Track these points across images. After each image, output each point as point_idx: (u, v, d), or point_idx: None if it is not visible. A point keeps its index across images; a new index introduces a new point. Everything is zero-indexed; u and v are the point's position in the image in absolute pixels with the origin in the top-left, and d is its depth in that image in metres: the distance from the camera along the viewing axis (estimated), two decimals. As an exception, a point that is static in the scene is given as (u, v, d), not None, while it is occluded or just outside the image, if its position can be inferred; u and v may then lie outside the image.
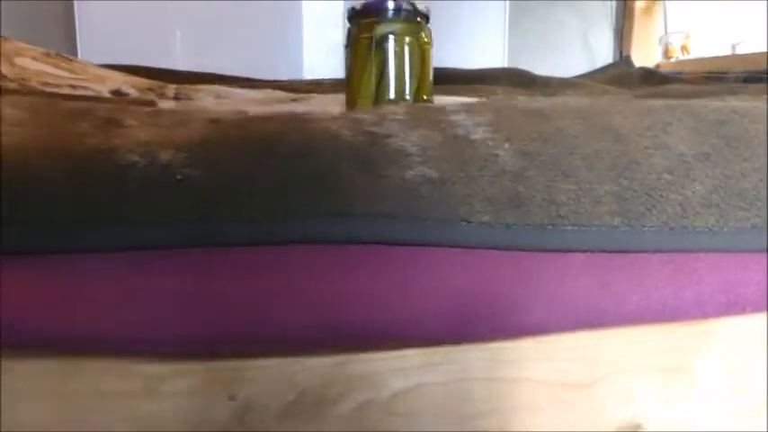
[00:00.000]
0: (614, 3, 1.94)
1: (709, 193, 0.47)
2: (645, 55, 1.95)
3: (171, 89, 1.06)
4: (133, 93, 1.02)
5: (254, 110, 0.64)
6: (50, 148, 0.41)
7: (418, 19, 0.59)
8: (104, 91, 0.99)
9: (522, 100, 0.79)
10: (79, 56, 1.71)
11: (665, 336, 0.46)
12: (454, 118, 0.49)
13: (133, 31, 1.75)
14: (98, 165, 0.40)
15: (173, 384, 0.41)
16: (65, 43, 1.72)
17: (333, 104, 0.94)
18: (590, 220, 0.46)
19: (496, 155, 0.46)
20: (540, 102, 0.63)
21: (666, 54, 2.00)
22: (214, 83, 1.48)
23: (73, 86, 0.97)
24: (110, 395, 0.41)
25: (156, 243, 0.40)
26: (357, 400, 0.43)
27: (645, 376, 0.46)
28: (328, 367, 0.43)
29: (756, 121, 0.52)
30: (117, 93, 1.00)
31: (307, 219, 0.42)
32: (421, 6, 0.59)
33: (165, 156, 0.41)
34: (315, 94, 1.10)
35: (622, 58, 1.94)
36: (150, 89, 1.05)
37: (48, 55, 1.05)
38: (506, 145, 0.46)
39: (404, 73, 0.57)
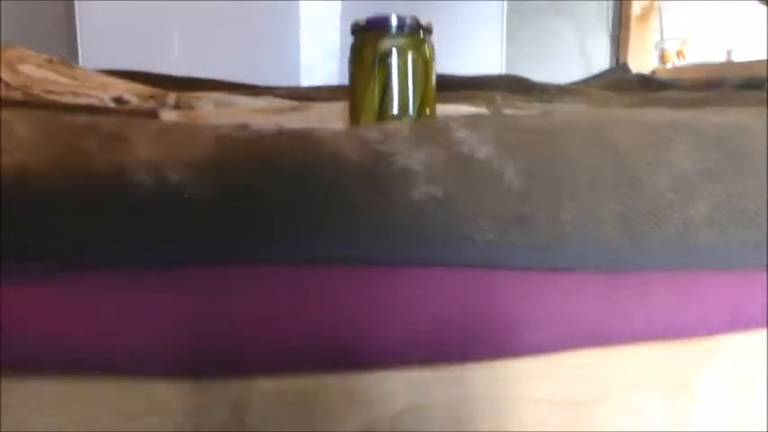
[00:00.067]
0: (610, 10, 1.95)
1: (712, 212, 0.47)
2: (641, 61, 1.96)
3: (172, 97, 1.06)
4: (135, 100, 1.03)
5: (256, 122, 0.64)
6: (57, 167, 0.42)
7: (421, 33, 0.59)
8: (106, 98, 0.99)
9: (525, 115, 0.79)
10: (79, 51, 1.71)
11: (668, 353, 0.47)
12: (458, 135, 0.49)
13: (132, 32, 1.75)
14: (106, 185, 0.40)
15: (177, 403, 0.41)
16: (65, 41, 1.71)
17: (333, 114, 0.94)
18: (594, 238, 0.46)
19: (501, 174, 0.46)
20: (542, 117, 0.64)
21: (663, 60, 2.01)
22: (214, 89, 1.48)
23: (75, 94, 0.98)
24: (113, 414, 0.41)
25: (164, 262, 0.40)
26: (362, 418, 0.43)
27: (648, 394, 0.47)
28: (333, 386, 0.43)
29: (757, 136, 0.53)
30: (119, 100, 1.00)
31: (313, 239, 0.42)
32: (424, 21, 0.59)
33: (173, 175, 0.41)
34: (314, 103, 1.10)
35: (619, 65, 1.95)
36: (151, 97, 1.05)
37: (50, 62, 1.05)
38: (511, 164, 0.47)
39: (407, 88, 0.58)
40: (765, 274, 0.48)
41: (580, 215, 0.46)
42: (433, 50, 0.61)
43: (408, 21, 0.58)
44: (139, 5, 1.72)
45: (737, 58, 1.93)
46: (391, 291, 0.44)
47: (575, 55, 1.95)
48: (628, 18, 1.94)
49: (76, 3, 1.67)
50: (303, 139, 0.47)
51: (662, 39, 1.99)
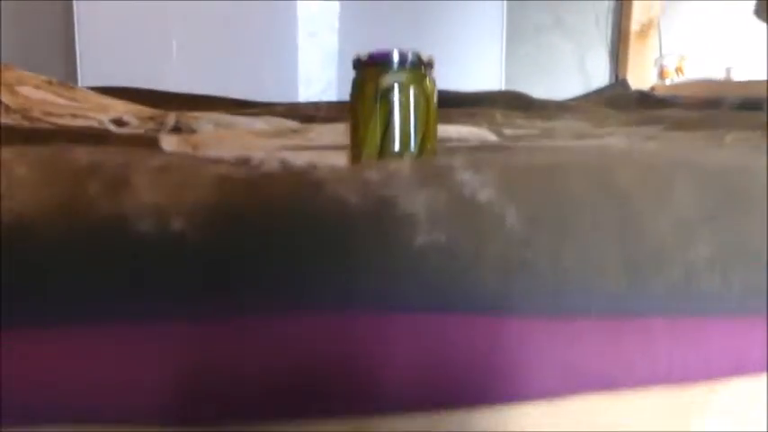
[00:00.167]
0: (609, 26, 1.96)
1: (714, 256, 0.47)
2: (640, 77, 1.97)
3: (171, 118, 1.06)
4: (134, 122, 1.02)
5: (256, 155, 0.64)
6: (58, 214, 0.41)
7: (423, 69, 0.59)
8: (106, 120, 0.99)
9: (528, 149, 0.79)
10: (78, 49, 1.70)
11: (671, 399, 0.47)
12: (460, 177, 0.49)
13: (131, 36, 1.74)
14: (108, 235, 0.40)
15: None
16: (64, 40, 1.71)
17: (333, 135, 0.94)
18: (596, 284, 0.46)
19: (503, 218, 0.46)
20: (545, 155, 0.64)
21: (662, 76, 2.01)
22: (213, 106, 1.48)
23: (74, 116, 0.97)
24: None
25: (165, 313, 0.40)
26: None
27: (650, 440, 0.46)
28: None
29: (758, 176, 0.52)
30: (118, 122, 1.00)
31: (316, 287, 0.42)
32: (425, 56, 0.59)
33: (176, 224, 0.41)
34: (314, 125, 1.10)
35: (618, 81, 1.95)
36: (151, 118, 1.05)
37: (50, 83, 1.05)
38: (512, 208, 0.47)
39: (409, 124, 0.58)
40: (767, 320, 0.48)
41: (582, 261, 0.46)
42: (435, 85, 0.61)
43: (410, 56, 0.58)
44: (138, 9, 1.72)
45: (736, 75, 1.93)
46: (394, 337, 0.44)
47: (574, 71, 1.95)
48: (627, 34, 1.95)
49: (75, 3, 1.67)
50: (305, 181, 0.47)
51: (661, 55, 2.00)
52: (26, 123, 0.88)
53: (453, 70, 1.83)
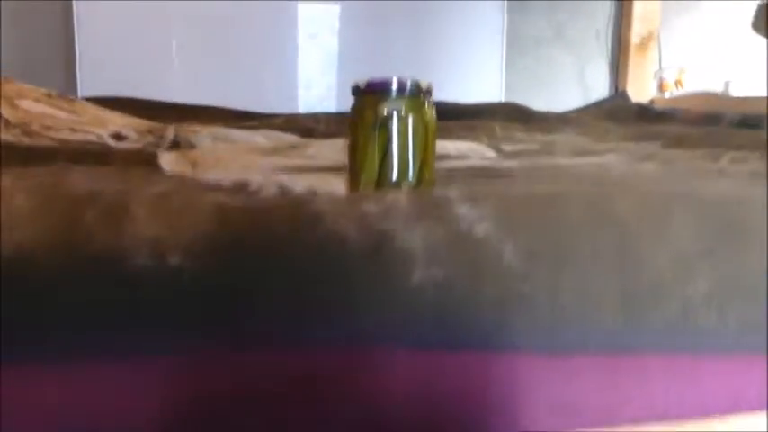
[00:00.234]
0: (609, 39, 1.96)
1: (711, 291, 0.47)
2: (640, 89, 1.97)
3: (170, 131, 1.06)
4: (133, 135, 1.02)
5: (255, 179, 0.64)
6: (56, 246, 0.41)
7: (421, 96, 0.59)
8: (105, 134, 0.99)
9: (525, 173, 0.79)
10: (77, 49, 1.70)
11: (666, 437, 0.47)
12: (458, 211, 0.49)
13: (130, 37, 1.74)
14: (107, 268, 0.40)
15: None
16: (63, 39, 1.71)
17: (331, 152, 0.94)
18: (594, 320, 0.46)
19: (501, 253, 0.46)
20: (543, 186, 0.64)
21: (661, 89, 2.02)
22: (211, 117, 1.48)
23: (73, 130, 0.97)
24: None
25: (166, 348, 0.40)
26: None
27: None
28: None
29: (757, 209, 0.52)
30: (117, 136, 1.00)
31: (314, 322, 0.42)
32: (424, 83, 0.59)
33: (173, 258, 0.41)
34: (314, 141, 1.10)
35: (618, 93, 1.95)
36: (150, 132, 1.05)
37: (49, 96, 1.05)
38: (510, 242, 0.47)
39: (407, 152, 0.57)
40: (765, 358, 0.48)
41: (580, 297, 0.46)
42: (434, 112, 0.61)
43: (409, 84, 0.58)
44: (138, 10, 1.71)
45: (735, 88, 1.93)
46: (391, 371, 0.44)
47: (574, 83, 1.95)
48: (627, 47, 1.95)
49: (74, 3, 1.67)
50: (303, 214, 0.47)
51: (660, 68, 2.00)
52: (26, 139, 0.88)
53: (453, 82, 1.83)
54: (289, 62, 1.81)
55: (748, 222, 0.51)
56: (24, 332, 0.39)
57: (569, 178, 0.73)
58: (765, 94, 1.77)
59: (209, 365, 0.41)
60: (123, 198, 0.48)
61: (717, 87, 2.00)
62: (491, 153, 1.19)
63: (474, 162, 1.02)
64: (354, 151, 0.59)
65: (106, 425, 0.39)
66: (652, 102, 1.93)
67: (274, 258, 0.43)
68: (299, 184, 0.65)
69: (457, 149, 1.14)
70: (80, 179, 0.59)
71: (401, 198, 0.50)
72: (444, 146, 1.19)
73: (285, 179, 0.66)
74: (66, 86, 1.69)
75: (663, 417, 0.46)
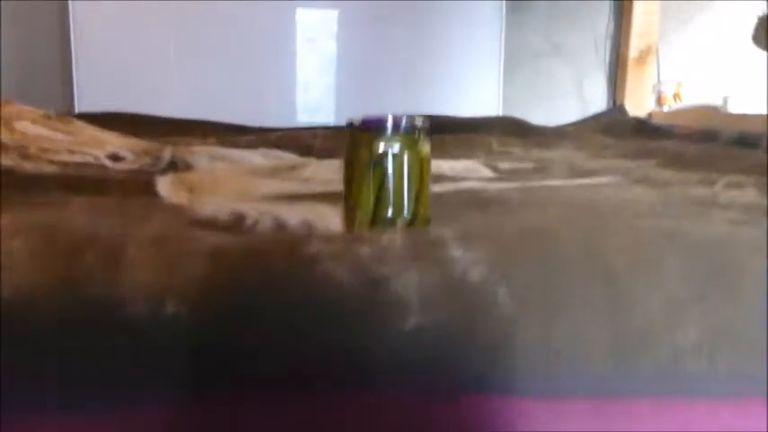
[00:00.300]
0: (607, 52, 1.97)
1: (701, 339, 0.48)
2: (638, 103, 1.97)
3: (167, 152, 1.06)
4: (130, 156, 1.03)
5: (251, 210, 0.65)
6: (54, 293, 0.42)
7: (416, 133, 0.59)
8: (102, 156, 0.99)
9: (519, 201, 0.80)
10: (73, 47, 1.70)
11: (655, 482, 0.47)
12: (453, 254, 0.49)
13: (127, 39, 1.74)
14: (105, 317, 0.40)
15: None
16: (60, 39, 1.71)
17: (329, 173, 0.94)
18: (585, 365, 0.46)
19: (494, 299, 0.46)
20: (537, 214, 0.64)
21: (659, 102, 2.02)
22: (208, 132, 1.48)
23: (71, 152, 0.98)
24: None
25: (165, 397, 0.40)
26: None
27: None
28: None
29: (750, 253, 0.53)
30: (114, 157, 1.00)
31: (310, 369, 0.43)
32: (419, 121, 0.59)
33: (170, 306, 0.42)
34: (311, 160, 1.11)
35: (616, 107, 1.96)
36: (146, 152, 1.06)
37: (47, 117, 1.06)
38: (504, 287, 0.47)
39: (402, 188, 0.58)
40: (756, 402, 0.48)
41: (572, 342, 0.46)
42: (429, 145, 0.61)
43: (404, 121, 0.58)
44: (136, 12, 1.71)
45: (733, 103, 1.94)
46: (385, 415, 0.44)
47: (572, 96, 1.96)
48: (625, 60, 1.95)
49: (70, 3, 1.67)
50: (298, 257, 0.47)
51: (659, 81, 2.00)
52: (24, 162, 0.88)
53: (451, 95, 1.84)
54: (287, 66, 1.81)
55: (739, 266, 0.51)
56: (22, 380, 0.39)
57: (563, 209, 0.73)
58: (765, 108, 1.78)
59: (207, 411, 0.41)
60: (120, 242, 0.48)
61: (715, 101, 2.01)
62: (487, 172, 1.20)
63: (469, 184, 1.03)
64: (350, 185, 0.59)
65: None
66: (650, 115, 1.94)
67: (270, 303, 0.43)
68: (295, 216, 0.66)
69: (453, 169, 1.15)
70: (78, 214, 0.59)
71: (396, 240, 0.50)
72: (440, 165, 1.20)
73: (281, 211, 0.67)
74: (63, 87, 1.69)
75: (652, 462, 0.46)
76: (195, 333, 0.42)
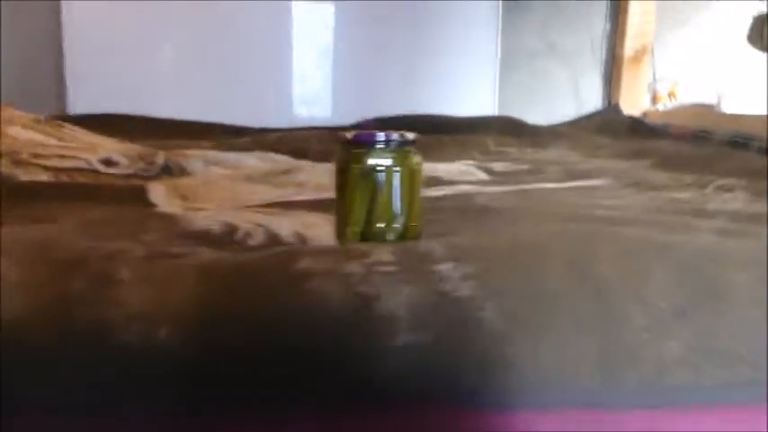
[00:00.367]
0: (603, 51, 1.97)
1: (685, 352, 0.48)
2: (633, 102, 1.97)
3: (161, 157, 1.06)
4: (123, 161, 1.03)
5: (243, 223, 0.65)
6: (44, 320, 0.42)
7: (408, 148, 0.59)
8: (94, 160, 0.99)
9: (511, 210, 0.80)
10: (66, 44, 1.69)
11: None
12: (442, 268, 0.50)
13: (121, 32, 1.73)
14: (96, 344, 0.41)
15: None
16: (56, 37, 1.70)
17: (323, 176, 0.94)
18: (572, 379, 0.47)
19: (483, 315, 0.47)
20: (527, 232, 0.64)
21: (654, 101, 2.02)
22: (203, 134, 1.48)
23: (62, 156, 0.98)
24: None
25: (155, 423, 0.41)
26: None
27: None
28: None
29: (736, 267, 0.53)
30: (107, 162, 1.00)
31: (303, 389, 0.43)
32: (409, 135, 0.59)
33: (161, 331, 0.42)
34: (305, 164, 1.11)
35: (611, 106, 1.96)
36: (140, 157, 1.05)
37: (38, 122, 1.05)
38: (493, 303, 0.47)
39: (393, 202, 0.58)
40: (741, 414, 0.48)
41: (560, 357, 0.47)
42: (420, 158, 0.61)
43: (395, 137, 0.58)
44: (131, 5, 1.71)
45: (728, 102, 1.94)
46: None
47: (568, 96, 1.96)
48: (620, 60, 1.95)
49: (63, 3, 1.66)
50: (289, 275, 0.47)
51: (654, 80, 2.01)
52: (16, 169, 0.88)
53: (448, 94, 1.84)
54: (284, 59, 1.81)
55: (724, 279, 0.51)
56: (9, 406, 0.40)
57: (552, 221, 0.73)
58: (760, 107, 1.78)
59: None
60: (110, 263, 0.48)
61: (711, 99, 2.01)
62: (482, 175, 1.20)
63: (464, 188, 1.03)
64: (341, 201, 0.59)
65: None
66: (645, 114, 1.94)
67: (260, 324, 0.44)
68: (286, 228, 0.66)
69: (447, 172, 1.15)
70: (69, 230, 0.59)
71: (385, 256, 0.50)
72: (435, 168, 1.20)
73: (272, 222, 0.67)
74: (56, 88, 1.69)
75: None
76: (186, 358, 0.42)
